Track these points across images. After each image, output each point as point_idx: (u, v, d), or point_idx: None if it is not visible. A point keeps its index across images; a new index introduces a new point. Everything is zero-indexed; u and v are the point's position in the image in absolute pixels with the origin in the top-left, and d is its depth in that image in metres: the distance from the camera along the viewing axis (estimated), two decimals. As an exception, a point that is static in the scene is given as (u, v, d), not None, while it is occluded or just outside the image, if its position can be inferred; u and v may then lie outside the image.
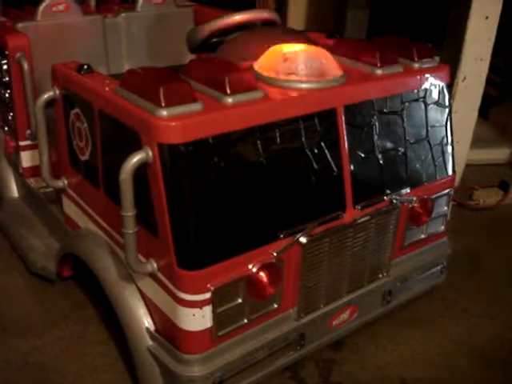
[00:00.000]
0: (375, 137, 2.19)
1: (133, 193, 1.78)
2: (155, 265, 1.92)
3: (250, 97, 1.87)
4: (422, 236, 2.49)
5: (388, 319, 2.57)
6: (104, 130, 2.06)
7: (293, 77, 2.03)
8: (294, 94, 1.98)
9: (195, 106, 1.77)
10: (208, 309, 1.87)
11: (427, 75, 2.29)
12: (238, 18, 2.54)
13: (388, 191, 2.25)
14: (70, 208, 2.51)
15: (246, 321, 1.98)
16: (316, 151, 2.02)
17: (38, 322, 2.58)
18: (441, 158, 2.43)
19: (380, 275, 2.36)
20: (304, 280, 2.08)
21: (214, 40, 2.58)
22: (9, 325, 2.56)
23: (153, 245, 1.90)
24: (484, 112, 4.26)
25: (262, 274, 1.92)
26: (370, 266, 2.30)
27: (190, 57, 2.62)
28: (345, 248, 2.16)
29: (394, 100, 2.22)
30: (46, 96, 2.31)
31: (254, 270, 1.91)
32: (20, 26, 2.97)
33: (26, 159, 2.95)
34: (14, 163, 3.08)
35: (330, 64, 2.10)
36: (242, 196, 1.88)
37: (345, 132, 2.08)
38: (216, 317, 1.89)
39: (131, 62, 3.36)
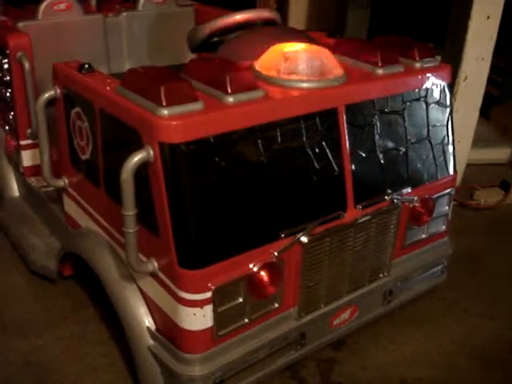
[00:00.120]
0: (376, 136, 2.19)
1: (134, 192, 1.78)
2: (156, 264, 1.92)
3: (250, 96, 1.87)
4: (423, 236, 2.49)
5: (388, 319, 2.57)
6: (105, 130, 2.06)
7: (294, 76, 2.03)
8: (295, 93, 1.98)
9: (196, 106, 1.77)
10: (209, 308, 1.86)
11: (428, 75, 2.29)
12: (239, 17, 2.54)
13: (389, 191, 2.25)
14: (70, 207, 2.51)
15: (246, 320, 1.98)
16: (317, 151, 2.02)
17: (38, 322, 2.58)
18: (442, 158, 2.43)
19: (381, 275, 2.36)
20: (305, 279, 2.08)
21: (215, 39, 2.58)
22: (9, 324, 2.56)
23: (154, 244, 1.90)
24: (485, 112, 4.26)
25: (262, 273, 1.92)
26: (371, 265, 2.30)
27: (191, 56, 2.63)
28: (346, 248, 2.15)
29: (395, 100, 2.22)
30: (46, 95, 2.30)
31: (255, 269, 1.91)
32: (21, 25, 2.97)
33: (27, 158, 2.95)
34: (15, 162, 3.08)
35: (331, 63, 2.10)
36: (242, 195, 1.88)
37: (346, 131, 2.08)
38: (217, 316, 1.89)
39: (132, 61, 3.36)
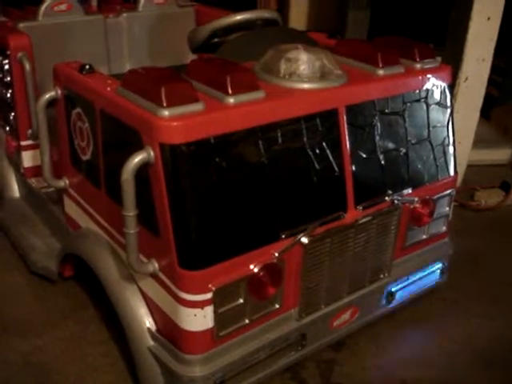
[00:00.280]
0: (377, 137, 2.19)
1: (134, 193, 1.78)
2: (156, 265, 1.92)
3: (251, 97, 1.87)
4: (424, 236, 2.49)
5: (388, 319, 2.57)
6: (105, 130, 2.06)
7: (294, 77, 2.03)
8: (296, 94, 1.98)
9: (197, 106, 1.77)
10: (209, 309, 1.86)
11: (429, 76, 2.29)
12: (240, 18, 2.54)
13: (390, 192, 2.25)
14: (71, 208, 2.51)
15: (247, 321, 1.98)
16: (317, 151, 2.02)
17: (38, 322, 2.57)
18: (442, 159, 2.43)
19: (381, 276, 2.36)
20: (305, 280, 2.08)
21: (216, 40, 2.58)
22: (9, 324, 2.56)
23: (154, 245, 1.90)
24: (486, 112, 4.25)
25: (263, 274, 1.92)
26: (372, 266, 2.30)
27: (192, 57, 2.63)
28: (346, 248, 2.15)
29: (396, 100, 2.22)
30: (47, 96, 2.30)
31: (256, 270, 1.91)
32: (21, 25, 2.97)
33: (28, 159, 2.95)
34: (16, 163, 3.08)
35: (332, 64, 2.10)
36: (243, 196, 1.88)
37: (346, 132, 2.08)
38: (217, 317, 1.89)
39: (133, 61, 3.37)
